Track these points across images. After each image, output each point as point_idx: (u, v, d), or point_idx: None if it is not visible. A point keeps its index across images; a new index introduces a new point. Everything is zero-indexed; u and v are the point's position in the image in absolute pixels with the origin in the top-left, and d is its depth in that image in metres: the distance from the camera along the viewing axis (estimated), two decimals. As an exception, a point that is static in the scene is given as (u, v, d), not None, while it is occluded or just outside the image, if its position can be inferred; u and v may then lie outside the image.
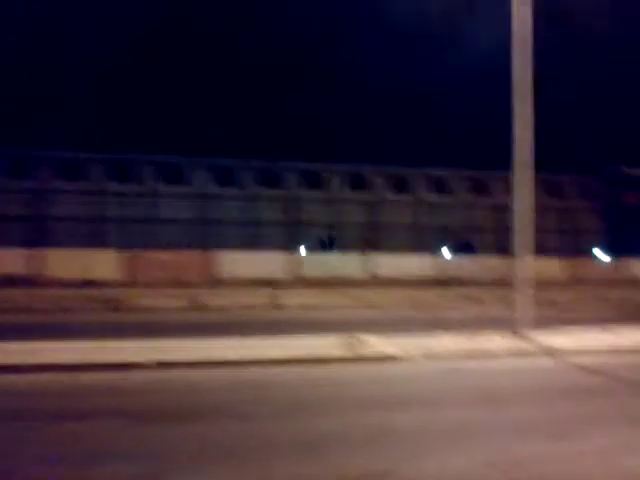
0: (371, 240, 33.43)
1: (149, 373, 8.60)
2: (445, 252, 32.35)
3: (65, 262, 21.92)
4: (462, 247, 34.01)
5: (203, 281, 22.04)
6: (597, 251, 36.19)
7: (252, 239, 33.00)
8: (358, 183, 36.85)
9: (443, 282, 25.82)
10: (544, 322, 11.70)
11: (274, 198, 34.85)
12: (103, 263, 22.18)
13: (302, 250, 31.39)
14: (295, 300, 17.68)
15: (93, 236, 29.35)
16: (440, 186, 38.00)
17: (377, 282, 24.86)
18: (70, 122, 30.51)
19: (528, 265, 11.51)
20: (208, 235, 32.33)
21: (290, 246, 29.95)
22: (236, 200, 34.25)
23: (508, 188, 37.91)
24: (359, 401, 7.16)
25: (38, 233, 26.38)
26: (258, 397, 7.34)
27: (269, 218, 33.82)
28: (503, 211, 36.04)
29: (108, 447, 5.54)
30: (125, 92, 31.51)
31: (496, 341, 10.88)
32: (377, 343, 10.28)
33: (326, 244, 33.84)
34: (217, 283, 22.39)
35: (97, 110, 30.53)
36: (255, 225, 34.05)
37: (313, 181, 35.73)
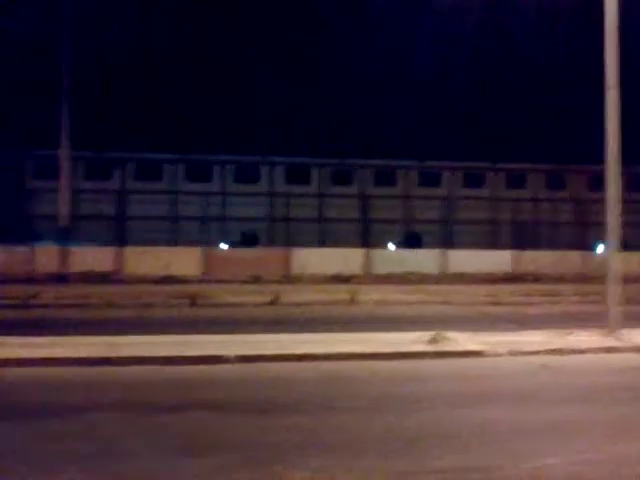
0: (446, 236, 33.06)
1: (233, 367, 8.76)
2: (521, 247, 31.58)
3: (147, 259, 22.68)
4: (533, 242, 33.07)
5: (280, 277, 22.33)
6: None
7: (326, 236, 33.18)
8: (430, 179, 36.53)
9: (520, 277, 25.30)
10: (632, 318, 11.26)
11: (347, 195, 34.96)
12: (183, 260, 22.81)
13: (390, 246, 31.34)
14: (372, 296, 17.65)
15: (172, 233, 30.23)
16: (515, 180, 37.22)
17: (453, 278, 24.57)
18: (152, 123, 31.35)
19: (617, 260, 11.09)
20: (283, 232, 32.73)
21: (365, 243, 29.93)
22: (309, 197, 34.54)
23: (586, 181, 36.62)
24: (448, 397, 7.08)
25: (121, 232, 27.34)
26: (345, 391, 7.36)
27: (342, 215, 33.94)
28: (581, 204, 35.02)
29: (207, 438, 5.66)
30: (193, 93, 32.06)
31: (584, 337, 10.55)
32: (460, 339, 10.15)
33: (414, 240, 33.57)
34: (293, 279, 22.66)
35: (173, 111, 31.21)
36: (329, 222, 34.24)
37: (386, 178, 35.66)
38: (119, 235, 26.51)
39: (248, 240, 31.71)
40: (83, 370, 8.58)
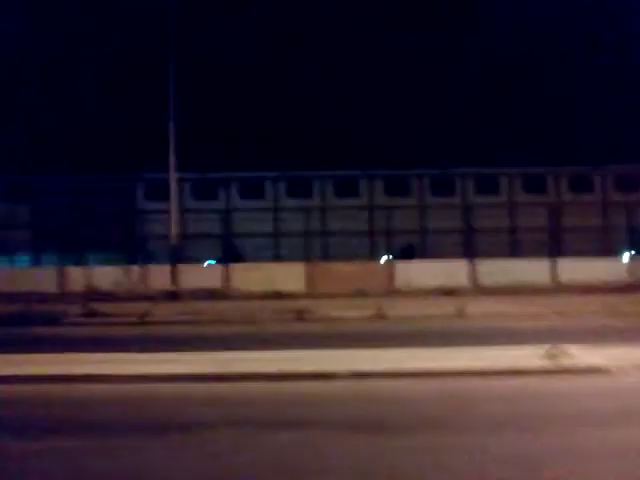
0: (554, 244, 31.80)
1: (344, 383, 8.69)
2: (628, 255, 29.85)
3: (253, 276, 23.18)
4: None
5: (383, 291, 22.21)
6: None
7: (426, 249, 32.75)
8: (534, 185, 35.34)
9: (636, 287, 23.89)
10: None
11: (447, 205, 34.39)
12: (288, 275, 23.13)
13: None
14: (479, 309, 17.20)
15: (276, 249, 30.84)
16: (627, 183, 35.36)
17: (564, 288, 23.55)
18: (253, 142, 32.18)
19: None
20: (380, 246, 32.60)
21: (469, 254, 29.28)
22: (407, 209, 34.22)
23: None
24: (577, 416, 6.70)
25: (229, 249, 28.23)
26: (465, 409, 7.13)
27: (442, 226, 33.39)
28: None
29: (321, 458, 5.59)
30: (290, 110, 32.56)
31: None
32: (580, 353, 9.64)
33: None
34: (396, 293, 22.48)
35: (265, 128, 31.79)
36: (428, 234, 33.78)
37: (487, 186, 34.79)
38: (228, 252, 27.27)
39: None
40: (197, 386, 8.79)
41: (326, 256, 31.34)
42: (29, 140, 33.31)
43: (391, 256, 31.42)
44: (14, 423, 7.00)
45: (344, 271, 23.98)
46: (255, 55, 33.64)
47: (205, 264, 26.62)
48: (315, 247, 31.09)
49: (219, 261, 26.26)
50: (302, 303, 18.77)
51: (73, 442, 6.23)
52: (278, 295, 21.61)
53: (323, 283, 23.26)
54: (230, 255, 28.15)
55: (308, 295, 21.43)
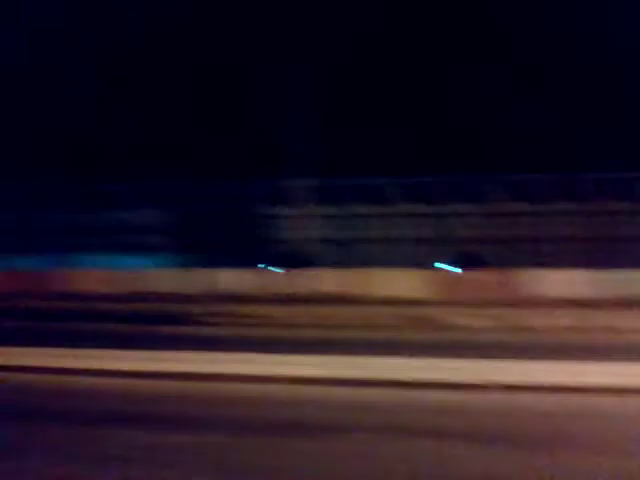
0: None
1: (495, 395, 8.30)
2: None
3: (374, 281, 23.02)
4: None
5: (511, 300, 21.38)
6: None
7: (549, 258, 31.32)
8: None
9: None
10: None
11: (573, 212, 32.75)
12: (410, 282, 22.80)
13: None
14: (618, 322, 16.12)
15: (397, 255, 30.49)
16: None
17: None
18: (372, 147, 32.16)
19: None
20: (507, 253, 31.47)
21: (596, 263, 27.67)
22: (527, 216, 32.91)
23: None
24: None
25: (347, 254, 28.27)
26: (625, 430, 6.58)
27: (569, 234, 31.83)
28: None
29: (469, 472, 5.34)
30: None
31: None
32: None
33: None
34: (523, 302, 21.55)
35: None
36: (552, 242, 32.30)
37: (621, 192, 32.80)
38: (345, 257, 27.31)
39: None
40: (336, 390, 8.72)
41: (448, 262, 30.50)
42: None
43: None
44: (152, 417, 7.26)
45: (468, 279, 23.32)
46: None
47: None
48: (437, 253, 30.51)
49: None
50: (427, 310, 18.44)
51: (222, 438, 6.34)
52: (400, 301, 21.29)
53: (447, 290, 22.72)
54: (348, 260, 28.19)
55: (432, 302, 20.93)
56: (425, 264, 27.96)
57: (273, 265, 26.95)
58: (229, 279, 24.75)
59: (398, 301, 20.99)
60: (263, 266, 26.57)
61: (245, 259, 27.22)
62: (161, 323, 16.75)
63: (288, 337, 14.69)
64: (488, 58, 32.98)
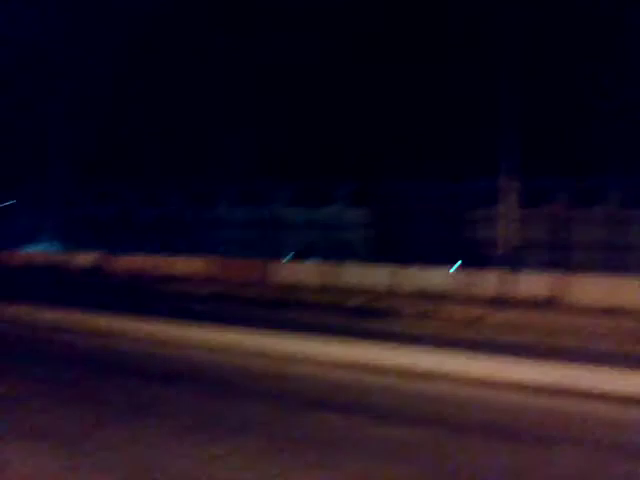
0: None
1: None
2: None
3: (590, 288, 21.82)
4: None
5: None
6: None
7: None
8: None
9: None
10: None
11: None
12: (632, 290, 21.26)
13: None
14: None
15: (616, 261, 28.62)
16: None
17: None
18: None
19: None
20: None
21: None
22: None
23: None
24: None
25: (562, 259, 27.10)
26: None
27: None
28: None
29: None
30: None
31: None
32: None
33: None
34: None
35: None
36: None
37: None
38: (559, 262, 26.19)
39: None
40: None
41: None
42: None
43: None
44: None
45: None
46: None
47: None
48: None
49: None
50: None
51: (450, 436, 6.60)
52: (621, 312, 19.97)
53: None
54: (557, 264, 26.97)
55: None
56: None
57: (476, 265, 26.64)
58: (432, 278, 24.94)
59: (616, 311, 19.74)
60: (468, 267, 26.35)
61: (448, 259, 27.20)
62: (370, 317, 17.50)
63: (495, 340, 14.63)
64: None
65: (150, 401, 7.59)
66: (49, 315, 15.02)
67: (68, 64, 41.53)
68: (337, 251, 31.44)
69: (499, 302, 22.18)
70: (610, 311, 19.49)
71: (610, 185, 31.37)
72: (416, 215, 33.20)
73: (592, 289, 21.58)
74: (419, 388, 8.91)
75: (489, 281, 24.20)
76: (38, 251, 42.56)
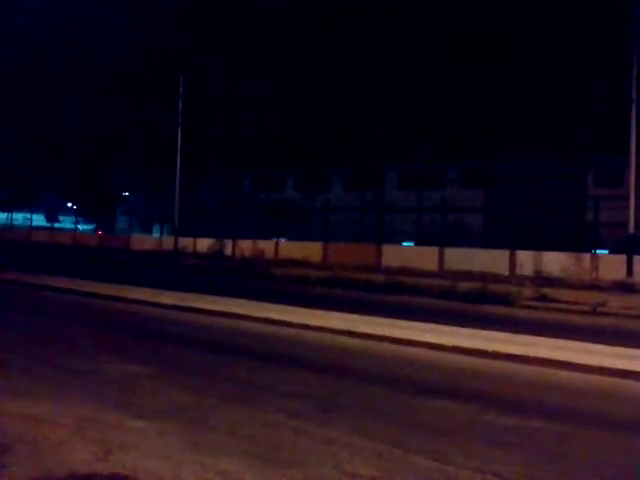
0: None
1: None
2: None
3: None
4: None
5: None
6: None
7: None
8: None
9: None
10: None
11: None
12: None
13: None
14: None
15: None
16: None
17: None
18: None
19: None
20: None
21: None
22: None
23: None
24: None
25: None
26: None
27: None
28: None
29: None
30: None
31: None
32: None
33: None
34: None
35: None
36: None
37: None
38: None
39: None
40: None
41: None
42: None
43: None
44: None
45: None
46: None
47: None
48: None
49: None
50: None
51: (542, 423, 6.54)
52: None
53: None
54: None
55: None
56: None
57: (602, 249, 25.56)
58: (551, 262, 24.20)
59: None
60: (590, 250, 25.27)
61: (569, 242, 26.25)
62: (482, 302, 17.28)
63: (616, 327, 14.10)
64: None
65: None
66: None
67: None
68: (455, 235, 31.07)
69: (624, 287, 21.29)
70: None
71: None
72: (532, 196, 32.16)
73: None
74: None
75: (613, 265, 23.25)
76: (154, 238, 44.91)
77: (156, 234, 46.56)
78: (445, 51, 38.79)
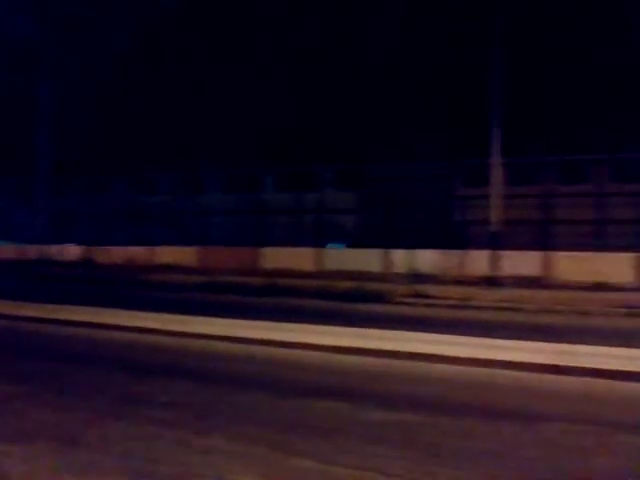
0: None
1: None
2: None
3: (576, 265, 22.17)
4: None
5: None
6: None
7: None
8: None
9: None
10: None
11: None
12: (614, 266, 21.60)
13: None
14: None
15: (600, 238, 28.86)
16: None
17: None
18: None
19: None
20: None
21: None
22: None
23: None
24: None
25: (547, 236, 27.17)
26: None
27: None
28: None
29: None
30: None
31: None
32: None
33: None
34: None
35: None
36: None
37: None
38: (546, 240, 26.36)
39: None
40: (529, 376, 8.80)
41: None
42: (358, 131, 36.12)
43: None
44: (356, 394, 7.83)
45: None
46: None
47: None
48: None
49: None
50: (630, 295, 17.45)
51: (417, 417, 6.75)
52: (604, 287, 20.33)
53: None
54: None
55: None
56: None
57: (470, 247, 26.86)
58: (423, 260, 25.16)
59: (600, 286, 20.06)
60: (458, 247, 26.52)
61: (438, 240, 27.39)
62: (359, 301, 17.64)
63: (482, 319, 14.84)
64: None
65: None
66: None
67: (59, 59, 41.26)
68: (328, 236, 31.48)
69: (488, 281, 22.48)
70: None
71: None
72: (403, 197, 33.26)
73: (577, 266, 22.00)
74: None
75: (479, 261, 24.48)
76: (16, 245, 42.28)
77: (19, 242, 43.79)
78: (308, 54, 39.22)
